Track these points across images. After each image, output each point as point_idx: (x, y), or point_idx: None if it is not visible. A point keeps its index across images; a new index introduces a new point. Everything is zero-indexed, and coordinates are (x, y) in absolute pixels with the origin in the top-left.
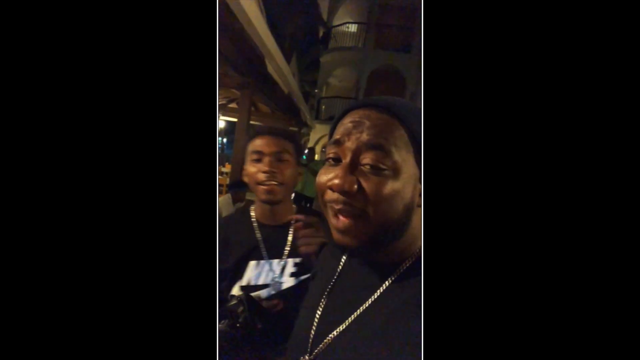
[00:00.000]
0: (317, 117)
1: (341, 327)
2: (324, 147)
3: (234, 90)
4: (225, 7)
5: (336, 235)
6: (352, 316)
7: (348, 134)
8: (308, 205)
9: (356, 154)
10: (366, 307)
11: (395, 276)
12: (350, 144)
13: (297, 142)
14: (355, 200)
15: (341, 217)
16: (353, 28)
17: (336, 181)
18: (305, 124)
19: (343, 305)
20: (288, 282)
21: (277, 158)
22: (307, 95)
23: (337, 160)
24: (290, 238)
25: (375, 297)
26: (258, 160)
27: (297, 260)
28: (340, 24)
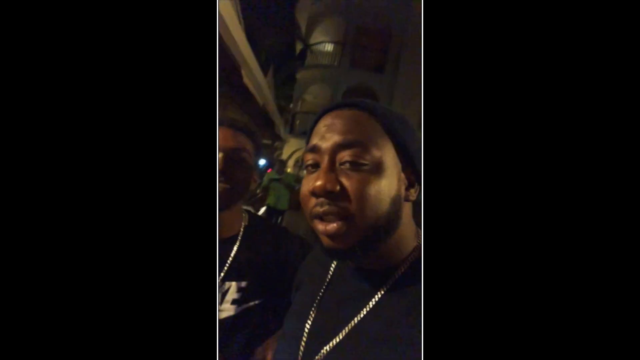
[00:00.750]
0: (291, 131)
1: (334, 342)
2: (298, 160)
3: None
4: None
5: (326, 241)
6: (346, 329)
7: (322, 137)
8: (280, 218)
9: (333, 154)
10: (360, 319)
11: (390, 284)
12: (325, 147)
13: (258, 142)
14: (339, 201)
15: (328, 222)
16: (329, 47)
17: (317, 183)
18: (279, 138)
19: (334, 317)
20: (227, 310)
21: (233, 156)
22: (282, 110)
23: (316, 167)
24: (233, 254)
25: (370, 307)
26: None
27: (243, 283)
28: (317, 42)
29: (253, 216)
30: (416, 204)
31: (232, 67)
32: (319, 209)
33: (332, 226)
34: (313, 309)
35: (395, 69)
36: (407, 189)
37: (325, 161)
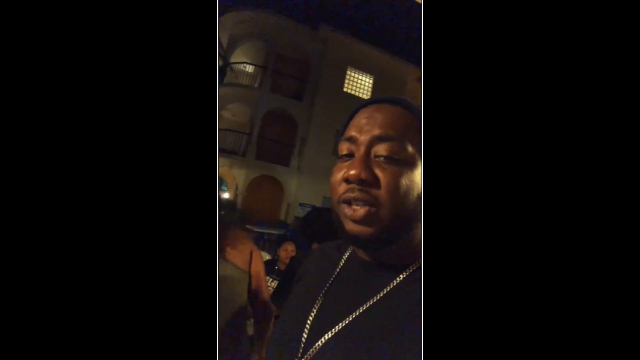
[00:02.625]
0: None
1: (339, 327)
2: None
3: None
4: None
5: (350, 226)
6: (352, 316)
7: (361, 128)
8: None
9: (370, 146)
10: (367, 307)
11: (401, 279)
12: (363, 138)
13: None
14: (371, 190)
15: (357, 207)
16: (250, 68)
17: (352, 171)
18: None
19: (341, 305)
20: None
21: None
22: None
23: (350, 156)
24: None
25: (378, 298)
26: None
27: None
28: (238, 62)
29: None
30: None
31: None
32: (350, 194)
33: (360, 211)
34: (319, 298)
35: (312, 98)
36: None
37: (361, 151)
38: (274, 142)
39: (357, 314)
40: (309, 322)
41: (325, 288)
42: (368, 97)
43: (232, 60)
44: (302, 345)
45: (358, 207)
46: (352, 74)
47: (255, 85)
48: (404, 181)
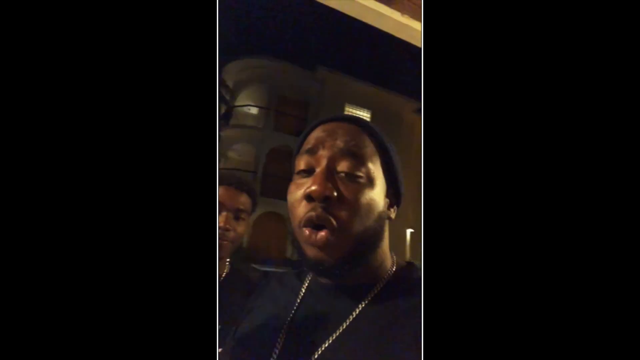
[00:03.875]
0: None
1: None
2: None
3: None
4: None
5: (311, 252)
6: (320, 349)
7: (322, 142)
8: None
9: (332, 160)
10: (336, 337)
11: (368, 300)
12: (325, 152)
13: (254, 197)
14: (334, 208)
15: (319, 231)
16: (254, 110)
17: (314, 187)
18: None
19: (307, 337)
20: None
21: (236, 215)
22: None
23: (309, 172)
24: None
25: (346, 325)
26: None
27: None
28: (243, 105)
29: (233, 266)
30: (390, 225)
31: None
32: (313, 214)
33: (322, 236)
34: (282, 331)
35: None
36: (388, 208)
37: (322, 166)
38: (278, 178)
39: (326, 345)
40: (273, 358)
41: (288, 320)
42: None
43: (237, 103)
44: None
45: (320, 232)
46: (350, 110)
47: (259, 125)
48: (365, 200)
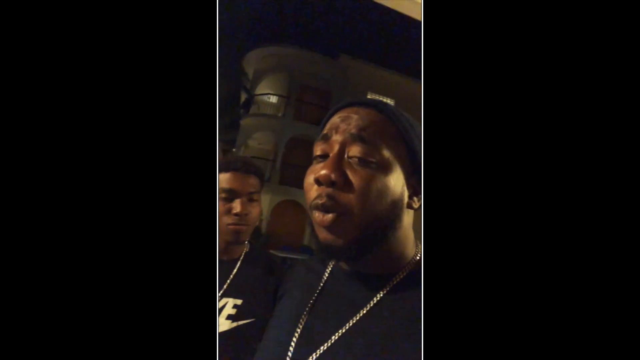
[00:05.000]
0: None
1: (325, 346)
2: None
3: None
4: None
5: (322, 234)
6: (338, 333)
7: (335, 128)
8: None
9: (343, 146)
10: (354, 323)
11: (388, 289)
12: (337, 137)
13: (262, 176)
14: (341, 194)
15: (326, 213)
16: (274, 99)
17: (322, 172)
18: None
19: (327, 322)
20: (222, 325)
21: (249, 198)
22: (225, 153)
23: (324, 157)
24: (233, 273)
25: (365, 311)
26: (228, 200)
27: (238, 301)
28: (263, 94)
29: (252, 244)
30: (418, 214)
31: None
32: (319, 201)
33: (329, 217)
34: (304, 315)
35: None
36: (410, 197)
37: (334, 151)
38: (297, 168)
39: (343, 331)
40: (293, 341)
41: (310, 304)
42: None
43: (257, 92)
44: None
45: (328, 214)
46: (374, 98)
47: (280, 114)
48: (376, 185)
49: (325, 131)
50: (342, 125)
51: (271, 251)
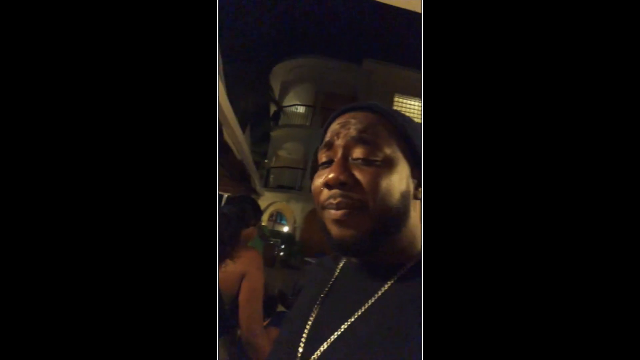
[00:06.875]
0: (265, 185)
1: (335, 335)
2: (272, 214)
3: None
4: None
5: (335, 230)
6: (347, 322)
7: (337, 134)
8: None
9: (346, 149)
10: (363, 312)
11: (395, 279)
12: (340, 142)
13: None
14: (352, 192)
15: (339, 210)
16: (301, 109)
17: (331, 175)
18: (255, 191)
19: (337, 313)
20: None
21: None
22: (257, 165)
23: (329, 163)
24: None
25: (373, 300)
26: None
27: None
28: (290, 105)
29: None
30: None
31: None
32: (332, 201)
33: (342, 212)
34: (315, 307)
35: None
36: (416, 188)
37: (339, 155)
38: None
39: (352, 320)
40: (305, 333)
41: (321, 297)
42: (419, 120)
43: (285, 104)
44: (299, 357)
45: (340, 210)
46: (400, 100)
47: (307, 123)
48: (383, 182)
49: (327, 138)
50: (342, 130)
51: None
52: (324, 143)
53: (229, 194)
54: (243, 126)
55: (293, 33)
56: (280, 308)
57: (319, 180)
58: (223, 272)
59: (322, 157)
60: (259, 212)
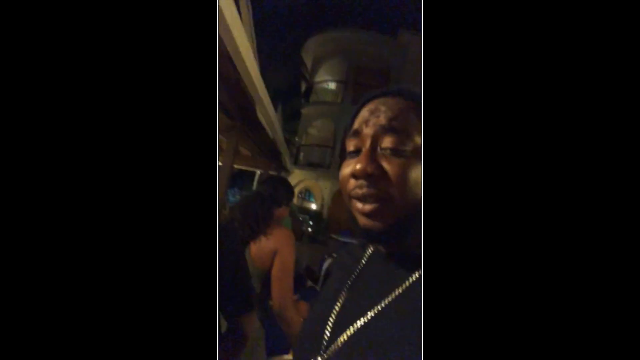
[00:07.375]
0: (295, 162)
1: (361, 322)
2: (302, 191)
3: (221, 137)
4: (227, 59)
5: (362, 220)
6: (373, 310)
7: (365, 122)
8: None
9: (375, 139)
10: (390, 301)
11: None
12: (368, 131)
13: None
14: (379, 184)
15: (366, 203)
16: (332, 85)
17: (358, 166)
18: (285, 169)
19: (364, 301)
20: None
21: None
22: (287, 143)
23: (357, 152)
24: None
25: (401, 290)
26: None
27: None
28: (321, 81)
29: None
30: None
31: (247, 103)
32: (359, 191)
33: (369, 206)
34: (343, 292)
35: None
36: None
37: (367, 145)
38: None
39: (380, 308)
40: (332, 318)
41: (348, 284)
42: None
43: (316, 80)
44: (325, 341)
45: (368, 203)
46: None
47: (338, 100)
48: (412, 173)
49: (355, 126)
50: (371, 118)
51: (332, 235)
52: (352, 131)
53: (261, 170)
54: (275, 104)
55: (325, 4)
56: (309, 284)
57: (346, 170)
58: (257, 249)
59: (350, 146)
60: (291, 193)
